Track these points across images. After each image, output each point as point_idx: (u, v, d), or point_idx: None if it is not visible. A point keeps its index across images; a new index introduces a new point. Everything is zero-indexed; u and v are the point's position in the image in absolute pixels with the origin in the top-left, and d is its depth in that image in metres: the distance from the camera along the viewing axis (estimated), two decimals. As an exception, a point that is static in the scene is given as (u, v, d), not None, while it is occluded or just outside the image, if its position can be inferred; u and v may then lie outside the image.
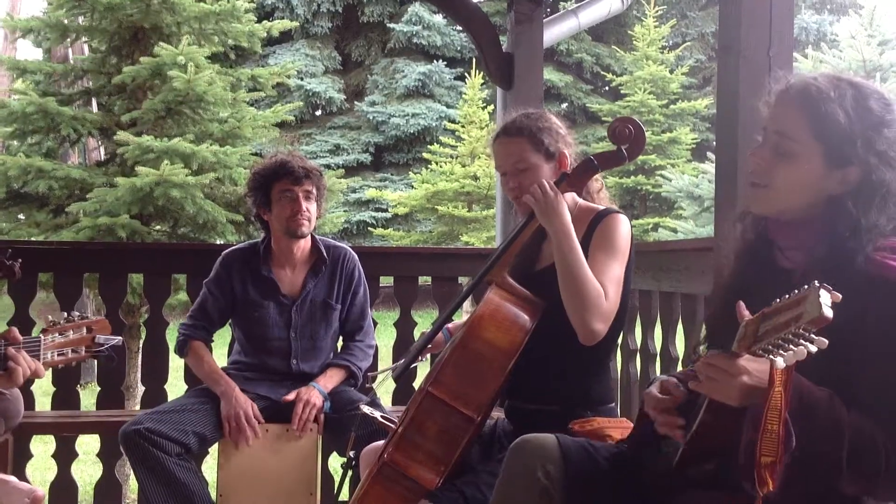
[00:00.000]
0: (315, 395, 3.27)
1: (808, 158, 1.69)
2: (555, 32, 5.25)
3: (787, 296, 1.42)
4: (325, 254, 3.48)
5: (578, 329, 2.34)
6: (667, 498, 1.81)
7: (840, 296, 1.35)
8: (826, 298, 1.34)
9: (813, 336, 1.36)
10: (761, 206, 1.79)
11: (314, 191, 3.41)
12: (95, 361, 2.69)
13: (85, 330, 2.57)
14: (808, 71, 1.64)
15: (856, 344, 1.58)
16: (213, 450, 3.35)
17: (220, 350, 3.63)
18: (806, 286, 1.38)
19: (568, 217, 2.39)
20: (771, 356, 1.40)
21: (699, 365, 1.59)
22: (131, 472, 4.45)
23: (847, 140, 1.66)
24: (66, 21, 7.36)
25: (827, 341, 1.36)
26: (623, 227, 2.48)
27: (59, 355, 2.53)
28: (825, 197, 1.70)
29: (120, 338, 2.68)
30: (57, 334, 2.53)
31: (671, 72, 17.47)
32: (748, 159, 1.81)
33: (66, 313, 2.61)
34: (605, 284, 2.35)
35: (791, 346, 1.37)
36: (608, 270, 2.39)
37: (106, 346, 2.59)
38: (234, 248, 3.58)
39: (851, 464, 1.51)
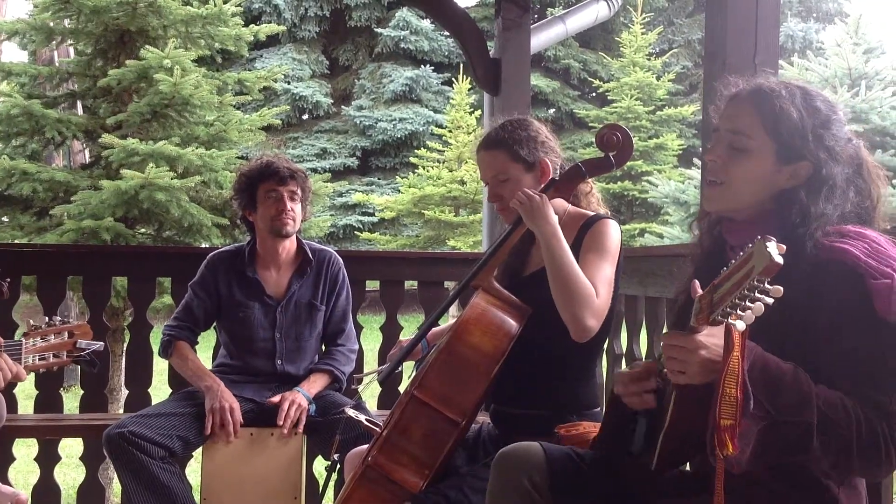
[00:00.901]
0: (300, 397, 3.26)
1: (761, 153, 1.77)
2: (542, 38, 5.27)
3: (732, 262, 1.45)
4: (310, 255, 3.49)
5: (571, 326, 2.33)
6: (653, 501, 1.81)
7: (785, 247, 1.39)
8: (773, 246, 1.37)
9: (768, 287, 1.39)
10: (718, 203, 1.85)
11: (299, 192, 3.43)
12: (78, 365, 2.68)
13: (66, 335, 2.56)
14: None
15: (813, 326, 1.64)
16: (197, 453, 3.34)
17: (205, 353, 3.62)
18: (749, 245, 1.41)
19: (555, 219, 2.39)
20: (730, 319, 1.42)
21: (661, 346, 1.62)
22: (114, 475, 4.42)
23: (799, 136, 1.75)
24: (51, 24, 7.33)
25: (782, 289, 1.39)
26: (613, 231, 2.49)
27: (40, 359, 2.52)
28: (777, 192, 1.78)
29: (101, 343, 2.67)
30: (38, 338, 2.52)
31: (658, 78, 17.55)
32: (705, 161, 1.88)
33: (47, 318, 2.60)
34: (596, 284, 2.35)
35: (748, 304, 1.40)
36: (599, 271, 2.40)
37: (87, 351, 2.58)
38: (219, 250, 3.58)
39: (822, 434, 1.53)
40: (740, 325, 1.42)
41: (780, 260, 1.36)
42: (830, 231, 1.70)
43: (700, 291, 1.55)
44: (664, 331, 3.52)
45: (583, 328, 2.32)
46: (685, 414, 1.65)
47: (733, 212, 1.84)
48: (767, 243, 1.37)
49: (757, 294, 1.39)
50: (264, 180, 3.38)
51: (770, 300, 1.39)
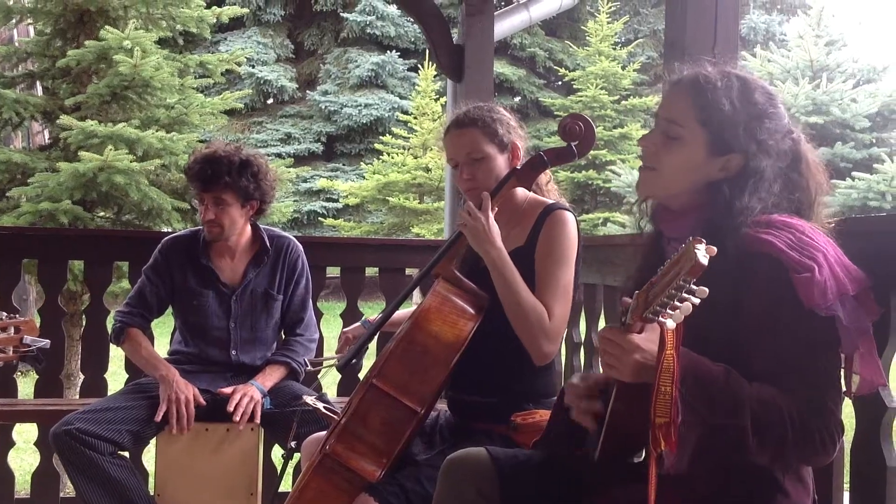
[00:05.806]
0: (253, 390, 3.20)
1: (692, 143, 1.77)
2: (506, 25, 5.25)
3: (668, 260, 1.46)
4: (268, 243, 3.41)
5: (530, 351, 2.37)
6: (599, 492, 1.82)
7: (715, 249, 1.40)
8: (701, 248, 1.39)
9: (693, 287, 1.41)
10: (648, 188, 1.86)
11: (231, 197, 3.25)
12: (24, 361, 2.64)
13: (13, 330, 2.53)
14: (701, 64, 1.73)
15: (743, 319, 1.65)
16: (153, 441, 3.29)
17: (164, 339, 3.57)
18: (683, 244, 1.42)
19: (499, 240, 2.38)
20: (660, 318, 1.44)
21: (598, 341, 1.63)
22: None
23: (730, 127, 1.74)
24: (10, 2, 7.19)
25: (707, 290, 1.41)
26: (570, 227, 2.48)
27: None
28: (705, 183, 1.78)
29: (47, 341, 2.62)
30: None
31: (623, 68, 17.62)
32: (640, 145, 1.87)
33: None
34: (549, 301, 2.37)
35: (677, 303, 1.41)
36: (555, 284, 2.40)
37: (33, 348, 2.54)
38: (174, 235, 3.51)
39: (757, 433, 1.55)
40: (670, 324, 1.44)
41: (704, 262, 1.37)
42: (760, 220, 1.70)
43: (635, 294, 1.55)
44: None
45: (539, 354, 2.37)
46: (625, 409, 1.66)
47: (665, 199, 1.86)
48: (697, 245, 1.39)
49: (684, 294, 1.41)
50: (191, 181, 3.26)
51: (697, 300, 1.41)
